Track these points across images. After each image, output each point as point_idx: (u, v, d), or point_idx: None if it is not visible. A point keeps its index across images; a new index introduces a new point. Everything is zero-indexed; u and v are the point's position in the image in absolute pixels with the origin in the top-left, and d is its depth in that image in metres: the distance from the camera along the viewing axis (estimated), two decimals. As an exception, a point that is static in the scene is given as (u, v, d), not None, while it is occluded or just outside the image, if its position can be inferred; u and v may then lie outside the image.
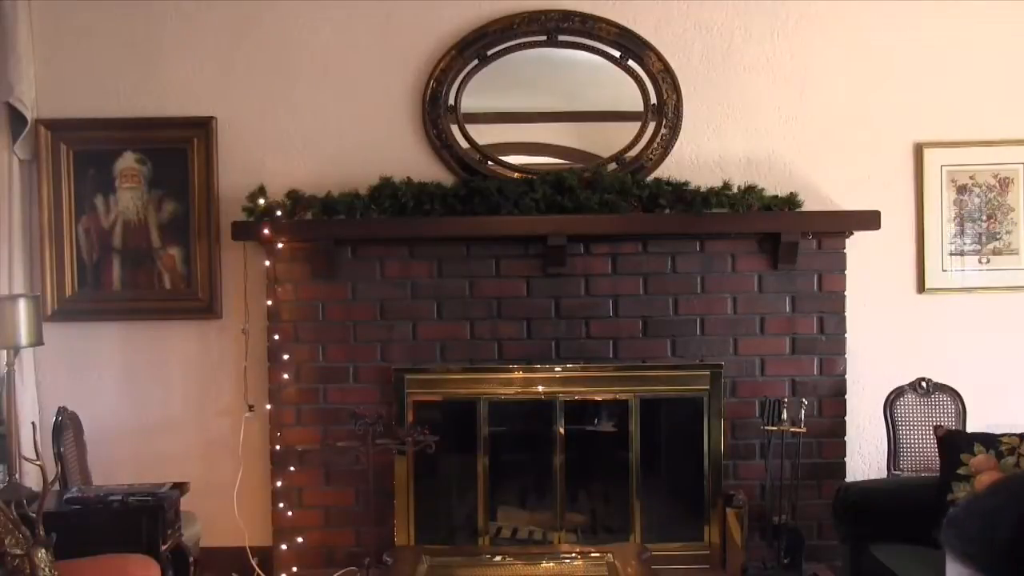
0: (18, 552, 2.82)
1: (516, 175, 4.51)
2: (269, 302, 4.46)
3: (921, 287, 4.60)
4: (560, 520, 4.47)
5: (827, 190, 4.53)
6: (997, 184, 4.59)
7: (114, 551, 3.42)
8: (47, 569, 2.85)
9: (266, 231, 4.34)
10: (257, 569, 4.47)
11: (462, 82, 4.57)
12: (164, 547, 3.60)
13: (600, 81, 4.60)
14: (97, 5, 4.60)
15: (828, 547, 4.31)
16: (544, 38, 4.57)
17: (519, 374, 4.44)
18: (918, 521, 3.52)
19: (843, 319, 4.47)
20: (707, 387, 4.43)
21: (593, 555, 3.70)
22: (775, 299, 4.47)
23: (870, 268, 4.51)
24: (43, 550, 2.86)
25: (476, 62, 4.57)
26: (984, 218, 4.60)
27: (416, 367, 4.45)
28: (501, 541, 4.46)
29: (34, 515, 2.93)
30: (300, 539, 4.44)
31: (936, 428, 3.87)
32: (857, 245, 4.46)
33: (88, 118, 4.56)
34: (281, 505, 4.46)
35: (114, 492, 3.68)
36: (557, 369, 4.44)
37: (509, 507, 4.59)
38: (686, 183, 4.42)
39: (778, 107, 4.59)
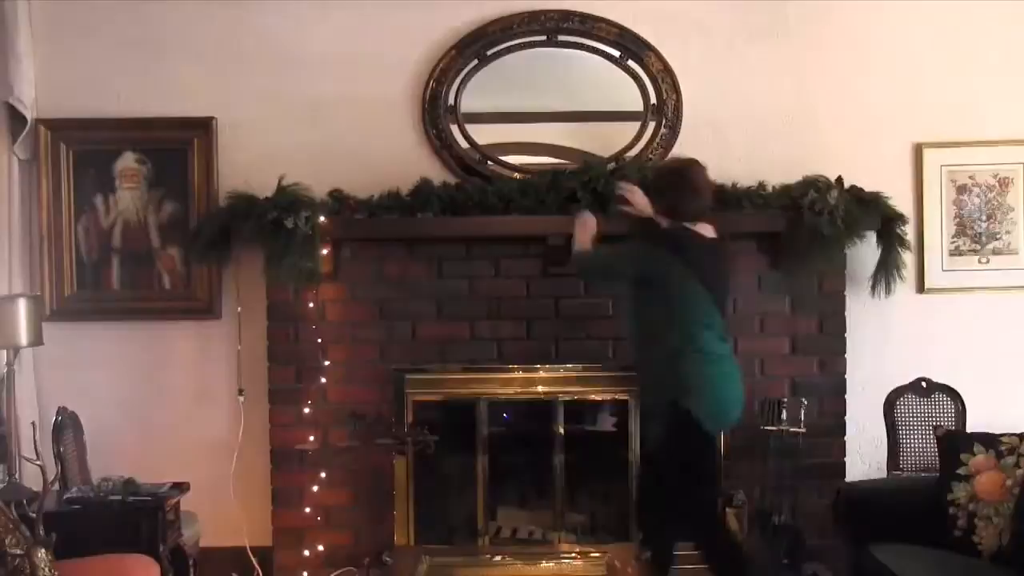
0: (18, 552, 2.83)
1: (516, 175, 4.51)
2: (269, 302, 4.47)
3: (921, 287, 4.59)
4: (560, 520, 4.46)
5: (827, 190, 4.53)
6: (997, 184, 4.60)
7: (114, 551, 3.42)
8: (47, 569, 2.85)
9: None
10: (258, 569, 4.47)
11: (462, 82, 4.57)
12: (164, 547, 3.60)
13: (600, 81, 4.60)
14: (97, 5, 4.60)
15: (828, 547, 4.30)
16: (544, 38, 4.57)
17: (519, 374, 4.44)
18: (918, 521, 3.53)
19: (843, 319, 4.47)
20: (707, 387, 4.42)
21: (592, 555, 3.70)
22: (775, 299, 4.47)
23: (870, 268, 4.50)
24: (43, 550, 2.86)
25: (476, 62, 4.57)
26: (984, 218, 4.60)
27: (416, 367, 4.45)
28: (501, 541, 4.45)
29: (34, 515, 2.93)
30: (300, 539, 4.44)
31: (936, 428, 3.88)
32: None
33: (88, 118, 4.56)
34: (281, 505, 4.46)
35: (114, 490, 3.67)
36: (557, 369, 4.44)
37: (509, 507, 4.59)
38: (724, 184, 4.38)
39: (778, 107, 4.58)
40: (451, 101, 4.56)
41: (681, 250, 3.65)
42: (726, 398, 3.72)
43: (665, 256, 3.64)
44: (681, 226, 3.72)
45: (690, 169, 3.77)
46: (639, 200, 3.88)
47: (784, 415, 4.24)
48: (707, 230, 3.75)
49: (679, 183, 3.74)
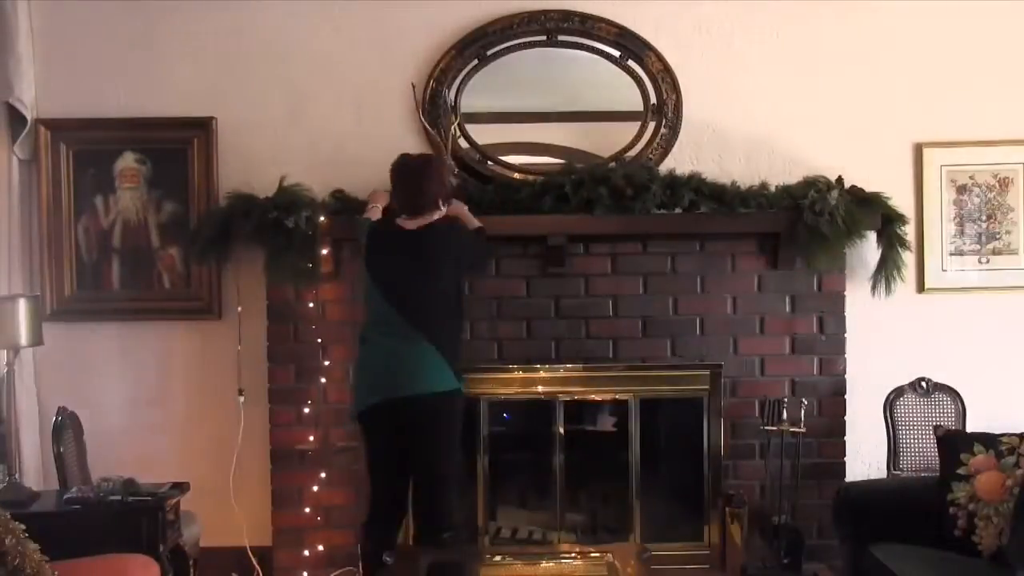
0: (17, 552, 2.82)
1: (516, 175, 4.51)
2: (269, 302, 4.47)
3: (921, 287, 4.59)
4: (560, 520, 4.46)
5: (827, 190, 4.53)
6: (997, 184, 4.60)
7: (114, 551, 3.41)
8: (46, 569, 2.85)
9: (266, 231, 4.33)
10: (258, 569, 4.47)
11: (462, 82, 4.57)
12: (164, 547, 3.60)
13: (600, 81, 4.60)
14: (97, 5, 4.60)
15: (828, 547, 4.31)
16: (544, 38, 4.57)
17: (519, 374, 4.44)
18: (918, 521, 3.53)
19: (843, 319, 4.47)
20: (707, 387, 4.43)
21: (593, 555, 3.70)
22: (775, 299, 4.47)
23: (870, 268, 4.50)
24: (38, 549, 2.86)
25: (476, 62, 4.57)
26: (984, 218, 4.60)
27: (416, 367, 4.44)
28: (501, 541, 4.46)
29: (33, 515, 2.93)
30: (300, 539, 4.44)
31: (936, 428, 3.87)
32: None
33: (88, 118, 4.56)
34: (281, 505, 4.46)
35: (114, 490, 3.67)
36: (557, 369, 4.44)
37: (509, 507, 4.59)
38: (724, 184, 4.39)
39: (777, 107, 4.58)
40: (451, 101, 4.56)
41: (364, 246, 3.90)
42: (358, 384, 3.88)
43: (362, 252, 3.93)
44: (381, 220, 3.98)
45: (398, 164, 3.92)
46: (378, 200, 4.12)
47: (784, 415, 4.24)
48: (413, 223, 3.83)
49: (391, 178, 3.92)
